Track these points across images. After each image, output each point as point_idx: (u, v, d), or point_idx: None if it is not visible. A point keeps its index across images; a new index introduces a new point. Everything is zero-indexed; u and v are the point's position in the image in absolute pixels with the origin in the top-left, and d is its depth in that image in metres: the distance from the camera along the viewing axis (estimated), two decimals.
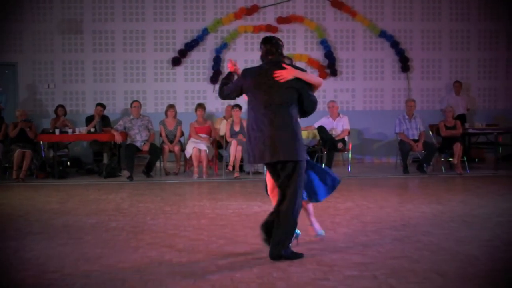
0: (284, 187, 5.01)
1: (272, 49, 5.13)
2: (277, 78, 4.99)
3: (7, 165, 11.25)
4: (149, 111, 13.24)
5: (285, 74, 4.98)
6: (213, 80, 13.43)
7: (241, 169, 11.02)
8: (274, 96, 4.99)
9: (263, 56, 5.17)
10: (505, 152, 12.83)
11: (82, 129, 11.44)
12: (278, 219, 4.97)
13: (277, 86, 5.00)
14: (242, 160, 10.92)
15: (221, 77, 13.28)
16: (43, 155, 11.46)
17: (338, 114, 11.60)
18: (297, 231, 5.35)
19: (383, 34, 13.62)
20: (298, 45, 13.51)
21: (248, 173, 10.99)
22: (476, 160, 12.98)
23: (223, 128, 11.75)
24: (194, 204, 7.94)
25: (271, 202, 5.47)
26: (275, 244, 4.95)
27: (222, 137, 11.67)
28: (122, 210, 7.53)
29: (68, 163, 11.82)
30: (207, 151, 10.99)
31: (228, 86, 5.24)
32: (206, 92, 13.51)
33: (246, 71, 5.15)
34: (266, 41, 5.18)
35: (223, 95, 5.26)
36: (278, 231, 4.95)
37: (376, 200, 8.07)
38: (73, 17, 13.30)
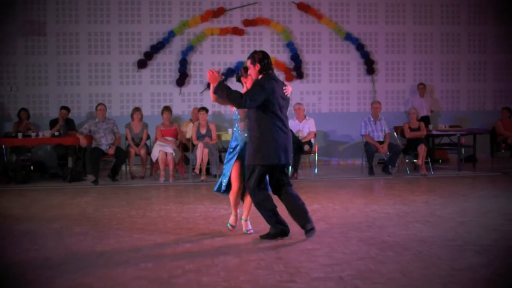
0: (281, 184, 5.95)
1: (271, 63, 5.98)
2: (286, 93, 5.95)
3: None
4: (115, 114, 13.12)
5: (290, 89, 6.00)
6: (179, 82, 13.39)
7: (207, 172, 10.99)
8: (285, 108, 5.96)
9: (265, 69, 5.90)
10: (467, 153, 13.08)
11: (46, 133, 11.28)
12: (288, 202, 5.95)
13: (285, 100, 5.96)
14: (208, 163, 10.90)
15: (190, 80, 13.27)
16: (5, 160, 11.25)
17: (304, 117, 11.67)
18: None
19: (348, 37, 13.77)
20: (264, 47, 13.55)
21: (215, 175, 10.97)
22: (440, 161, 13.21)
23: (189, 131, 11.71)
24: (160, 208, 7.89)
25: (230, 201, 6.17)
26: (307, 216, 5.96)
27: (188, 140, 11.63)
28: (87, 215, 7.45)
29: (32, 167, 11.62)
30: (174, 154, 10.94)
31: (253, 94, 5.72)
32: (172, 95, 13.46)
33: (269, 82, 5.83)
34: (266, 55, 5.95)
35: (248, 103, 5.71)
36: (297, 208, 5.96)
37: (341, 202, 8.14)
38: (36, 18, 13.11)
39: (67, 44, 13.25)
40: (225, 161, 6.13)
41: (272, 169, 5.88)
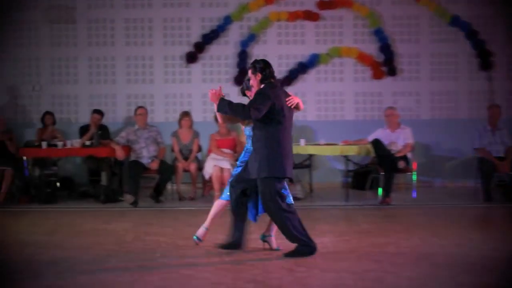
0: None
1: (273, 71, 6.92)
2: (290, 104, 6.86)
3: None
4: (158, 120, 13.29)
5: (295, 100, 6.87)
6: (238, 80, 13.43)
7: None
8: (290, 118, 6.94)
9: (267, 79, 6.83)
10: None
11: (75, 142, 11.50)
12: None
13: (290, 110, 6.90)
14: None
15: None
16: (26, 174, 11.54)
17: (399, 125, 11.50)
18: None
19: (455, 22, 13.50)
20: (345, 36, 13.46)
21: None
22: None
23: None
24: (215, 237, 7.88)
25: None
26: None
27: None
28: (124, 244, 7.53)
29: (58, 184, 11.88)
30: (232, 170, 10.96)
31: (257, 104, 6.62)
32: (229, 96, 13.43)
33: (273, 89, 6.78)
34: (268, 64, 6.89)
35: (253, 113, 6.59)
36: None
37: (449, 236, 7.97)
38: (63, 3, 13.46)
39: (101, 33, 13.53)
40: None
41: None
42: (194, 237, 7.46)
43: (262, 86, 6.84)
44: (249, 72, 6.93)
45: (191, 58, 13.49)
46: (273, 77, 6.90)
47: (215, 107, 6.87)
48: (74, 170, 13.08)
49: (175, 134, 11.71)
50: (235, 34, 13.53)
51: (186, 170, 11.49)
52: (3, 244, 7.60)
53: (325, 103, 13.59)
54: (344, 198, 11.16)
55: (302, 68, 13.39)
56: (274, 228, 7.16)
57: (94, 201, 11.32)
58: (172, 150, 11.75)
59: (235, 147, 11.49)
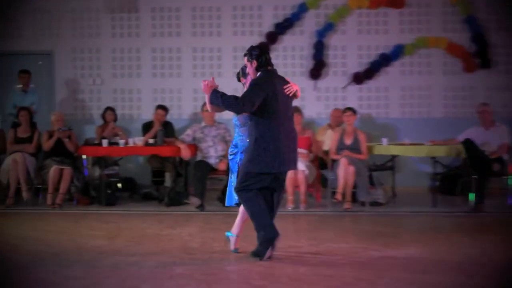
0: (276, 193, 7.29)
1: (270, 58, 7.18)
2: (288, 91, 7.12)
3: (40, 186, 11.57)
4: (227, 117, 13.28)
5: (294, 88, 7.14)
6: (314, 74, 13.39)
7: (353, 198, 10.85)
8: (288, 107, 7.23)
9: (263, 66, 7.09)
10: None
11: (137, 140, 11.62)
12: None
13: (288, 98, 7.17)
14: (355, 186, 10.76)
15: (316, 71, 13.26)
16: (86, 174, 11.72)
17: (493, 123, 11.25)
18: None
19: (469, 20, 13.19)
20: (433, 24, 13.27)
21: (363, 203, 10.81)
22: None
23: (328, 140, 11.64)
24: (288, 245, 7.86)
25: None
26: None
27: (326, 153, 11.55)
28: (190, 251, 7.57)
29: (119, 185, 12.03)
30: (307, 172, 10.91)
31: (250, 96, 6.89)
32: (304, 90, 13.46)
33: (268, 79, 7.05)
34: (265, 50, 7.21)
35: (246, 107, 6.88)
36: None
37: None
38: None
39: (165, 23, 13.67)
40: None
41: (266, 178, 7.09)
42: (233, 250, 7.47)
43: (258, 73, 7.11)
44: (245, 59, 7.20)
45: None
46: (270, 64, 7.15)
47: (206, 98, 7.18)
48: (136, 170, 13.24)
49: None
50: (310, 23, 13.48)
51: None
52: (62, 248, 7.72)
53: (410, 99, 13.41)
54: (431, 204, 10.97)
55: (384, 60, 13.24)
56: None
57: (157, 204, 11.44)
58: None
59: (310, 147, 11.42)
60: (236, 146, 7.40)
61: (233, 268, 6.75)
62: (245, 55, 7.21)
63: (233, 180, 7.38)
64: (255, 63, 7.10)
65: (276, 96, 7.01)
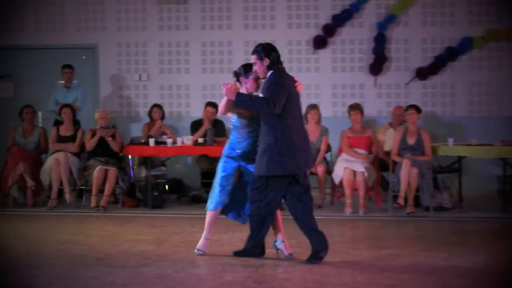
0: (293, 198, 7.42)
1: (279, 56, 7.32)
2: (299, 89, 7.43)
3: (83, 187, 11.72)
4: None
5: (301, 86, 7.44)
6: (375, 69, 13.31)
7: (416, 202, 10.77)
8: (300, 106, 7.48)
9: (275, 64, 7.23)
10: None
11: (186, 139, 11.68)
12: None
13: (299, 96, 7.46)
14: (418, 190, 10.68)
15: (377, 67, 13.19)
16: (131, 175, 11.83)
17: None
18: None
19: None
20: (504, 15, 13.08)
21: (427, 208, 10.73)
22: None
23: (389, 140, 11.57)
24: (346, 251, 7.86)
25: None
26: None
27: (388, 153, 11.49)
28: (242, 258, 7.56)
29: (166, 187, 12.11)
30: (366, 174, 10.86)
31: (278, 97, 7.04)
32: (363, 87, 13.43)
33: (285, 79, 7.27)
34: (274, 48, 7.33)
35: (277, 108, 7.03)
36: None
37: None
38: None
39: (215, 15, 13.72)
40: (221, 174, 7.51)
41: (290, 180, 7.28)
42: (288, 254, 7.60)
43: (269, 72, 7.24)
44: (253, 57, 7.31)
45: (320, 43, 13.47)
46: (280, 62, 7.31)
47: (224, 102, 7.29)
48: (184, 172, 13.31)
49: None
50: (371, 14, 13.41)
51: (312, 173, 11.44)
52: (106, 253, 7.80)
53: (478, 96, 13.26)
54: (501, 209, 10.85)
55: (451, 54, 13.10)
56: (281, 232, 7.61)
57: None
58: None
59: (371, 147, 11.37)
60: (234, 149, 7.49)
61: (287, 276, 6.75)
62: (254, 52, 7.31)
63: (222, 183, 7.47)
64: (267, 61, 7.22)
65: (292, 96, 7.24)
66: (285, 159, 7.15)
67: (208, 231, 7.69)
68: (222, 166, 7.51)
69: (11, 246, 8.25)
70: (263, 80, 7.31)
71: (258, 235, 7.47)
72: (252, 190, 7.38)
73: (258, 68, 7.28)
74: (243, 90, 7.40)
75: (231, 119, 7.44)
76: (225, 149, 7.55)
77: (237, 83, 7.47)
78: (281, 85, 7.12)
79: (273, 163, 7.14)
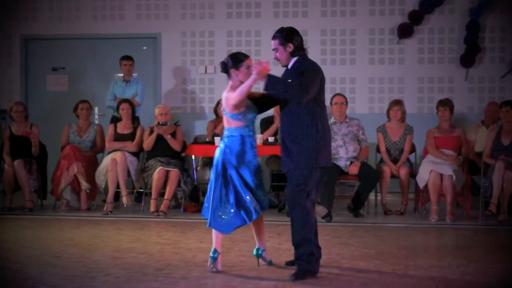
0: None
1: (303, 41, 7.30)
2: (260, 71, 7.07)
3: (142, 190, 11.85)
4: (360, 111, 13.34)
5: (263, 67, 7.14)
6: (466, 61, 13.23)
7: (510, 209, 10.66)
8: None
9: (297, 50, 7.20)
10: None
11: (256, 138, 11.72)
12: None
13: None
14: None
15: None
16: (194, 177, 11.93)
17: None
18: None
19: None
20: None
21: None
22: None
23: (480, 140, 11.48)
24: (431, 263, 7.83)
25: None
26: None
27: (479, 155, 11.39)
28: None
29: None
30: (454, 177, 10.79)
31: (311, 84, 7.02)
32: (453, 80, 13.36)
33: (316, 64, 7.26)
34: (297, 32, 7.26)
35: (310, 95, 7.02)
36: None
37: None
38: None
39: (290, 2, 13.78)
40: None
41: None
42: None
43: (294, 59, 7.21)
44: (275, 43, 7.23)
45: (405, 31, 13.45)
46: (303, 47, 7.27)
47: (249, 83, 7.02)
48: None
49: (381, 129, 11.69)
50: (463, 0, 13.30)
51: (394, 176, 11.44)
52: (167, 262, 7.91)
53: None
54: None
55: None
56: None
57: (277, 212, 11.58)
58: (377, 150, 11.75)
59: (460, 147, 11.29)
60: (247, 156, 7.47)
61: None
62: (275, 37, 7.24)
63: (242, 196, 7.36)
64: (291, 47, 7.17)
65: (323, 83, 7.27)
66: (328, 150, 7.32)
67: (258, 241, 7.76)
68: (217, 173, 7.50)
69: (63, 253, 8.42)
70: (254, 70, 6.98)
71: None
72: (293, 192, 7.19)
73: (280, 54, 7.22)
74: (231, 83, 7.32)
75: (224, 111, 7.39)
76: (221, 149, 7.46)
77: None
78: (315, 71, 7.13)
79: (317, 152, 7.13)
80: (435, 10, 13.39)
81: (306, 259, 7.09)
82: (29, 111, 12.30)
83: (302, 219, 7.14)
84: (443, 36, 13.45)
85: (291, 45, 7.16)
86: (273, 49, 7.27)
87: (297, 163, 7.14)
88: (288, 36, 7.17)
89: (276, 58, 7.30)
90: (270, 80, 6.96)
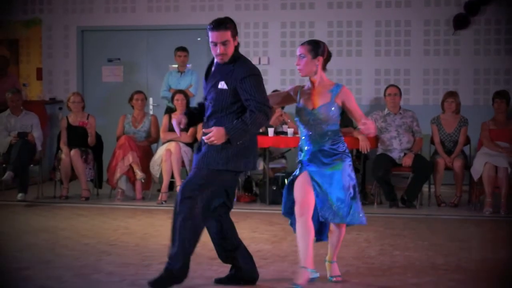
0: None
1: None
2: None
3: None
4: (414, 103, 13.29)
5: None
6: None
7: None
8: None
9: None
10: None
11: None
12: None
13: None
14: None
15: None
16: None
17: None
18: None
19: None
20: None
21: None
22: None
23: None
24: (484, 256, 7.81)
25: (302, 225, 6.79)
26: None
27: None
28: (367, 259, 7.67)
29: (286, 181, 12.23)
30: (510, 170, 10.71)
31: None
32: (510, 72, 13.22)
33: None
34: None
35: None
36: None
37: None
38: None
39: None
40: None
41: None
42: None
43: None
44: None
45: (461, 22, 13.33)
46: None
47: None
48: None
49: (436, 121, 11.63)
50: None
51: (448, 168, 11.39)
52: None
53: None
54: None
55: None
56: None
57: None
58: (431, 142, 11.70)
59: None
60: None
61: (416, 281, 6.77)
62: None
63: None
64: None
65: None
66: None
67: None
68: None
69: (119, 242, 8.58)
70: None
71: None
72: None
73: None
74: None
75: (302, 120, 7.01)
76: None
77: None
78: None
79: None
80: (492, 1, 13.25)
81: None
82: (85, 102, 12.44)
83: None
84: (500, 27, 13.31)
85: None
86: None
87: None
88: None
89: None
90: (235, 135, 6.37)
